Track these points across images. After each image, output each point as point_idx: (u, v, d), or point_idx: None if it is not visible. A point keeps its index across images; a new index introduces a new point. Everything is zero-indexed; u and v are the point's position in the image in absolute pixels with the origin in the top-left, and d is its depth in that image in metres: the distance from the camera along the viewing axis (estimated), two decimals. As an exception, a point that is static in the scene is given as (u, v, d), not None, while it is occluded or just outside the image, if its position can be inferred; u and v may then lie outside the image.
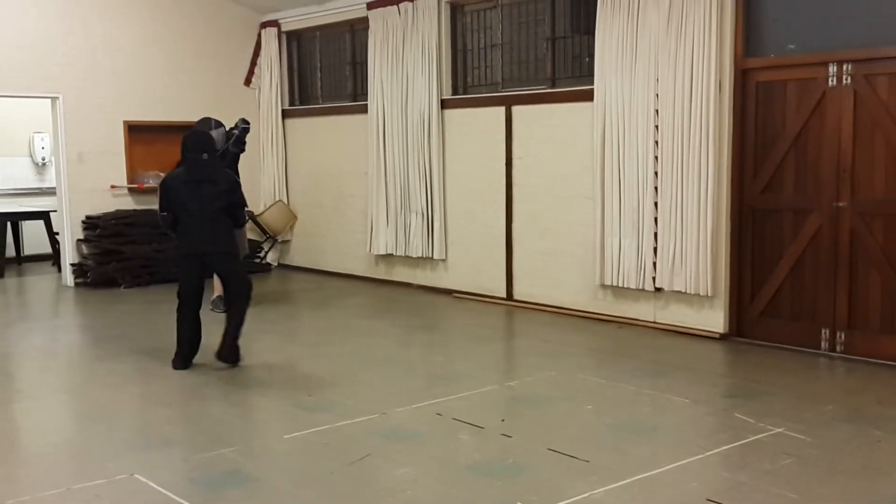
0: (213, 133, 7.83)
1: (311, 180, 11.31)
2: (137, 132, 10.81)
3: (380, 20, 9.92)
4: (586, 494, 4.17)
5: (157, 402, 5.86)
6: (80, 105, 10.35)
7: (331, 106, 11.13)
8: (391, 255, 10.16)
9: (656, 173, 7.47)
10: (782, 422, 5.15)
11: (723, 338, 7.27)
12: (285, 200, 11.54)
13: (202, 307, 6.68)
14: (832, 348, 6.76)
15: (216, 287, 8.43)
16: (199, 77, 11.18)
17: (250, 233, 10.06)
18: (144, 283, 10.30)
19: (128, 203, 10.80)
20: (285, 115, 11.58)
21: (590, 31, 8.01)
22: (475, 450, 4.83)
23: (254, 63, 11.65)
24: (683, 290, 7.39)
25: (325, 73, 11.36)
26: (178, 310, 6.53)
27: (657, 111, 7.42)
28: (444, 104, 9.45)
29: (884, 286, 6.48)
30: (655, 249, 7.55)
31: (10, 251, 11.93)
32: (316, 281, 10.75)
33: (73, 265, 10.43)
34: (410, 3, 9.54)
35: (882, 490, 4.26)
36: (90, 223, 10.40)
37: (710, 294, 7.24)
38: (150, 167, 10.90)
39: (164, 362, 6.63)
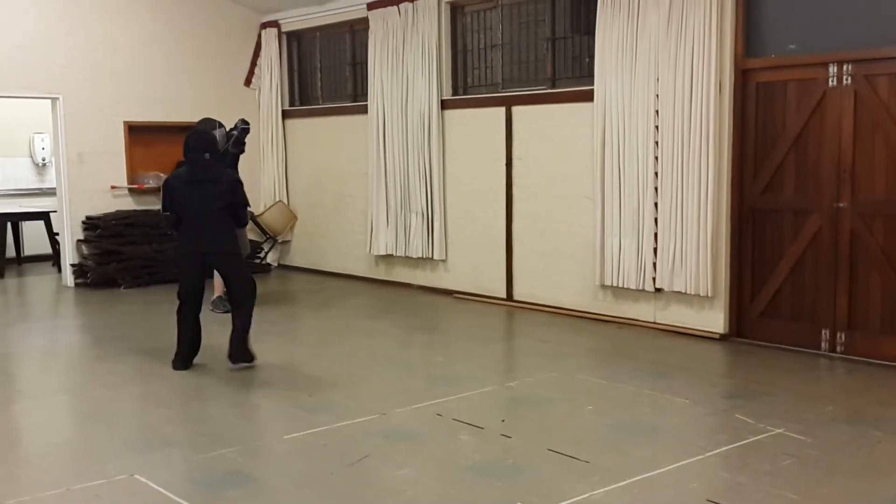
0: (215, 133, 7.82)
1: (312, 181, 11.31)
2: (137, 133, 10.81)
3: (380, 21, 9.92)
4: (586, 495, 4.16)
5: (157, 403, 5.85)
6: (81, 105, 10.35)
7: (331, 106, 11.13)
8: (391, 255, 10.16)
9: (656, 174, 7.47)
10: (782, 422, 5.15)
11: (723, 338, 7.27)
12: (285, 201, 11.54)
13: (202, 308, 6.68)
14: (832, 349, 6.76)
15: (217, 287, 8.45)
16: (199, 77, 11.18)
17: (250, 233, 10.05)
18: (144, 284, 10.30)
19: (128, 203, 10.80)
20: (285, 115, 11.58)
21: (590, 32, 8.01)
22: (475, 450, 4.83)
23: (254, 63, 11.65)
24: (683, 291, 7.39)
25: (326, 73, 11.36)
26: (179, 310, 6.53)
27: (657, 112, 7.42)
28: (445, 104, 9.45)
29: (884, 287, 6.48)
30: (655, 250, 7.55)
31: (11, 252, 11.93)
32: (316, 281, 10.75)
33: (73, 265, 10.43)
34: (410, 4, 9.54)
35: (882, 491, 4.26)
36: (90, 224, 10.40)
37: (710, 294, 7.24)
38: (150, 168, 10.90)
39: (164, 363, 6.63)
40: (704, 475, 4.48)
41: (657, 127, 7.44)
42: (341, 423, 5.25)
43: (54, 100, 10.29)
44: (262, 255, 11.34)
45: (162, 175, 10.81)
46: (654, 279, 7.59)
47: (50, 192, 11.66)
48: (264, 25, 11.56)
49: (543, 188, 8.55)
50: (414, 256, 9.84)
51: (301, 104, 11.68)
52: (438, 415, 5.41)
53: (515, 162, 8.82)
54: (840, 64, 6.57)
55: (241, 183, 6.70)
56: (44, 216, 11.59)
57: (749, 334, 7.23)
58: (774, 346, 7.01)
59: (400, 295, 9.75)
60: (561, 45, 8.57)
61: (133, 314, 8.82)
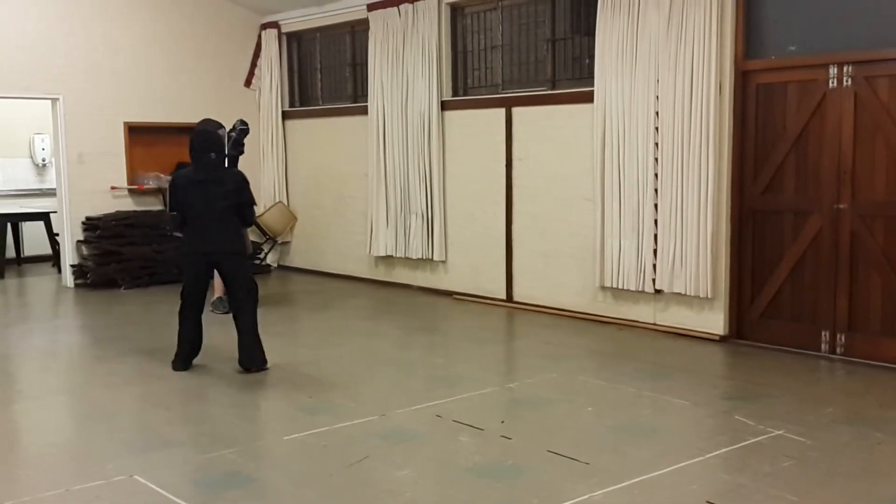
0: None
1: (312, 182, 11.31)
2: (137, 133, 10.82)
3: (380, 21, 9.92)
4: (586, 496, 4.16)
5: (156, 403, 5.85)
6: (81, 106, 10.36)
7: (331, 107, 11.13)
8: (391, 256, 10.16)
9: (656, 175, 7.48)
10: (782, 424, 5.15)
11: (723, 340, 7.27)
12: (285, 202, 11.54)
13: (204, 309, 6.67)
14: (832, 350, 6.76)
15: (217, 288, 8.44)
16: (199, 78, 11.18)
17: (250, 234, 10.04)
18: (144, 284, 10.30)
19: (128, 204, 10.80)
20: (285, 116, 11.59)
21: (590, 33, 8.01)
22: (475, 451, 4.83)
23: (254, 64, 11.65)
24: (683, 292, 7.38)
25: (326, 74, 11.36)
26: (181, 310, 6.50)
27: (657, 113, 7.42)
28: (445, 105, 9.45)
29: (884, 288, 6.48)
30: (655, 251, 7.55)
31: (11, 252, 11.93)
32: (316, 282, 10.75)
33: (72, 266, 10.43)
34: (410, 5, 9.54)
35: (882, 492, 4.25)
36: (90, 224, 10.40)
37: (710, 296, 7.24)
38: (150, 168, 10.90)
39: (163, 363, 6.63)
40: (704, 477, 4.48)
41: (657, 128, 7.44)
42: (341, 424, 5.25)
43: (54, 100, 10.29)
44: (261, 255, 11.34)
45: (162, 176, 10.84)
46: (653, 280, 7.59)
47: (50, 193, 11.66)
48: (264, 26, 11.56)
49: (543, 189, 8.55)
50: (414, 257, 9.84)
51: (301, 105, 11.68)
52: (438, 416, 5.41)
53: (515, 163, 8.82)
54: (840, 65, 6.57)
55: (247, 182, 6.68)
56: (44, 217, 11.59)
57: (749, 336, 7.23)
58: (774, 348, 7.01)
59: (400, 296, 9.75)
60: (561, 47, 8.57)
61: (133, 315, 8.83)
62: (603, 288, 8.05)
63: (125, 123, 10.69)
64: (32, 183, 12.70)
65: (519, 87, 8.93)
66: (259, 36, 11.62)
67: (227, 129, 8.64)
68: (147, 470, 4.55)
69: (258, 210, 11.16)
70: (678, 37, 7.24)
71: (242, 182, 6.59)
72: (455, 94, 9.55)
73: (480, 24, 9.35)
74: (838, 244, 6.67)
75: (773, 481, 4.33)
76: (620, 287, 7.84)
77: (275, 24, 11.44)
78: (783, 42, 6.94)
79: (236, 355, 6.50)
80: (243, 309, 6.46)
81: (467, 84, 9.55)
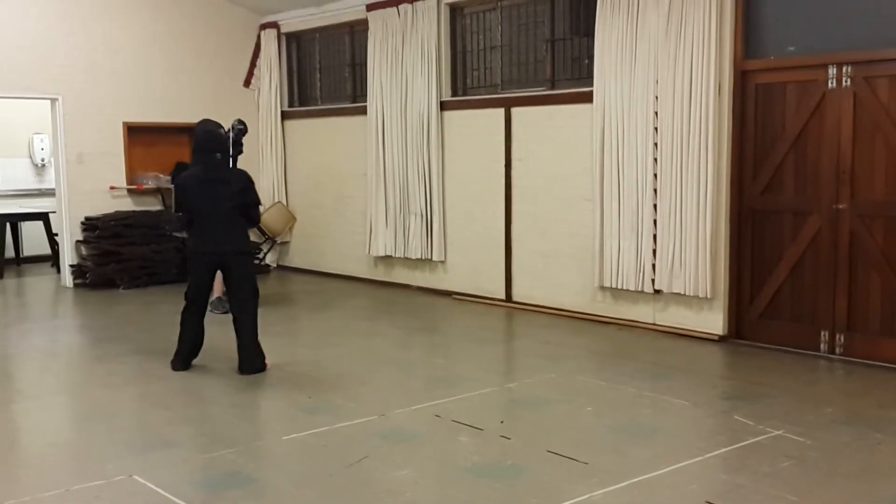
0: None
1: (311, 182, 11.31)
2: (137, 133, 10.82)
3: (379, 22, 9.92)
4: (585, 496, 4.16)
5: (156, 404, 5.85)
6: (80, 106, 10.35)
7: (330, 107, 11.13)
8: (390, 256, 10.16)
9: (656, 175, 7.48)
10: (782, 424, 5.15)
11: (722, 340, 7.27)
12: (284, 202, 11.54)
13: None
14: (832, 350, 6.76)
15: (216, 288, 8.44)
16: (198, 78, 11.18)
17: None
18: (143, 285, 10.30)
19: (127, 204, 10.80)
20: (285, 116, 11.58)
21: (589, 33, 8.01)
22: (474, 451, 4.83)
23: (253, 64, 11.65)
24: (683, 292, 7.39)
25: (325, 74, 11.36)
26: (185, 310, 6.49)
27: (657, 113, 7.43)
28: (444, 106, 9.45)
29: (883, 288, 6.48)
30: (655, 251, 7.56)
31: (10, 252, 11.93)
32: (315, 282, 10.75)
33: (72, 266, 10.42)
34: (410, 5, 9.54)
35: (882, 493, 4.26)
36: (89, 224, 10.40)
37: (709, 296, 7.24)
38: (149, 168, 10.90)
39: (163, 363, 6.62)
40: (704, 477, 4.48)
41: (656, 128, 7.44)
42: (341, 424, 5.25)
43: (54, 100, 10.29)
44: (261, 255, 11.34)
45: (161, 176, 10.84)
46: (653, 280, 7.60)
47: (49, 193, 11.66)
48: (264, 26, 11.56)
49: (543, 189, 8.55)
50: (413, 257, 9.84)
51: (300, 105, 11.68)
52: (437, 416, 5.41)
53: (515, 163, 8.82)
54: (839, 66, 6.57)
55: (252, 182, 6.69)
56: (43, 217, 11.59)
57: (748, 336, 7.23)
58: (774, 348, 7.01)
59: (399, 296, 9.75)
60: (560, 47, 8.57)
61: (132, 315, 8.82)
62: (602, 288, 8.05)
63: (124, 123, 10.68)
64: (32, 183, 12.69)
65: (518, 88, 8.93)
66: (258, 36, 11.61)
67: (225, 129, 8.66)
68: (147, 470, 4.55)
69: (258, 210, 11.22)
70: (677, 37, 7.24)
71: (248, 182, 6.60)
72: (454, 94, 9.55)
73: (480, 25, 9.35)
74: (837, 244, 6.67)
75: (772, 481, 4.34)
76: (620, 287, 7.84)
77: (274, 25, 11.44)
78: (782, 42, 6.95)
79: (236, 356, 6.49)
80: (245, 310, 6.45)
81: (466, 84, 9.55)
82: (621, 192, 7.73)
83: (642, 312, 7.82)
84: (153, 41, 10.85)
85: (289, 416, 5.57)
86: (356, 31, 10.68)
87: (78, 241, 10.48)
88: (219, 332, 7.03)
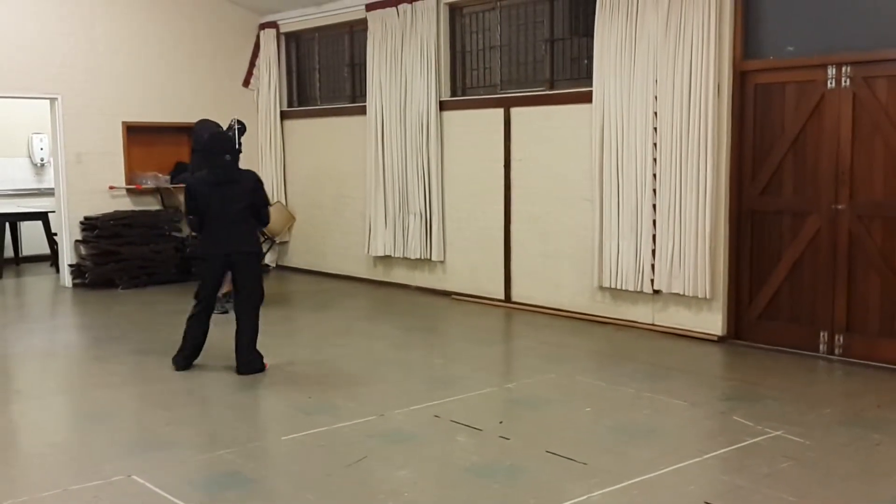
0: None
1: (310, 181, 11.31)
2: (136, 133, 10.81)
3: (378, 22, 9.92)
4: (584, 497, 4.16)
5: (155, 404, 5.85)
6: (79, 106, 10.35)
7: (329, 107, 11.13)
8: (389, 256, 10.16)
9: (655, 175, 7.48)
10: (781, 425, 5.15)
11: (721, 340, 7.27)
12: (284, 202, 11.53)
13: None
14: (831, 351, 6.76)
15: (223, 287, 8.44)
16: (197, 78, 11.18)
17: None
18: (142, 284, 10.30)
19: (126, 204, 10.80)
20: (284, 116, 11.58)
21: (588, 33, 8.01)
22: (473, 452, 4.83)
23: (252, 64, 11.65)
24: (682, 293, 7.39)
25: (324, 74, 11.36)
26: (194, 310, 6.49)
27: (656, 113, 7.43)
28: (443, 106, 9.45)
29: (882, 289, 6.48)
30: (654, 251, 7.56)
31: (9, 252, 11.92)
32: (314, 282, 10.75)
33: (71, 266, 10.42)
34: (409, 5, 9.54)
35: (881, 493, 4.26)
36: (88, 224, 10.40)
37: (708, 296, 7.24)
38: (148, 168, 10.90)
39: (162, 363, 6.62)
40: (703, 477, 4.48)
41: (656, 129, 7.44)
42: (340, 425, 5.25)
43: (53, 100, 10.29)
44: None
45: (160, 175, 10.85)
46: (652, 281, 7.60)
47: (48, 193, 11.67)
48: (263, 26, 11.56)
49: (542, 189, 8.55)
50: (412, 258, 9.84)
51: (300, 105, 11.67)
52: (436, 416, 5.41)
53: (514, 163, 8.82)
54: (839, 66, 6.57)
55: (261, 182, 6.71)
56: (42, 216, 11.59)
57: (747, 336, 7.23)
58: (773, 349, 7.01)
59: (398, 296, 9.75)
60: (559, 47, 8.57)
61: (131, 315, 8.82)
62: (601, 288, 8.05)
63: (123, 123, 10.68)
64: (31, 182, 12.69)
65: (517, 88, 8.93)
66: (258, 36, 11.61)
67: (224, 129, 8.67)
68: (146, 470, 4.55)
69: (257, 210, 11.21)
70: (676, 37, 7.24)
71: (257, 182, 6.64)
72: (453, 94, 9.55)
73: (479, 25, 9.35)
74: (836, 245, 6.67)
75: (771, 482, 4.34)
76: (619, 287, 7.84)
77: (273, 24, 11.44)
78: (781, 42, 6.95)
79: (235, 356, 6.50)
80: (247, 310, 6.47)
81: (466, 84, 9.55)
82: (620, 192, 7.73)
83: (641, 313, 7.82)
84: (152, 41, 10.85)
85: (288, 416, 5.57)
86: (355, 31, 10.68)
87: (77, 241, 10.48)
88: (219, 331, 7.02)
